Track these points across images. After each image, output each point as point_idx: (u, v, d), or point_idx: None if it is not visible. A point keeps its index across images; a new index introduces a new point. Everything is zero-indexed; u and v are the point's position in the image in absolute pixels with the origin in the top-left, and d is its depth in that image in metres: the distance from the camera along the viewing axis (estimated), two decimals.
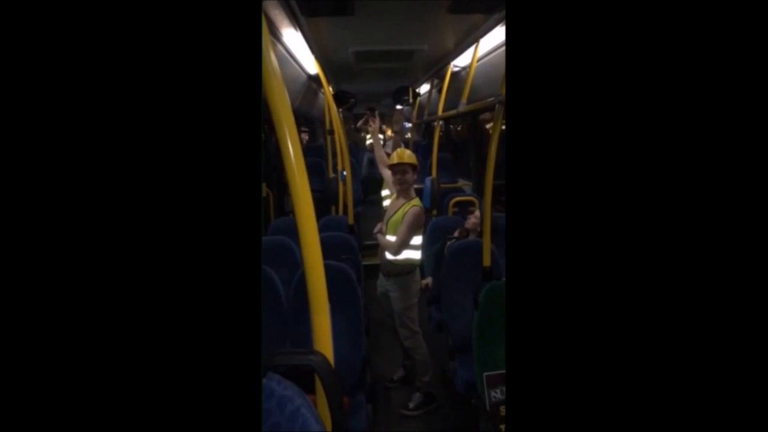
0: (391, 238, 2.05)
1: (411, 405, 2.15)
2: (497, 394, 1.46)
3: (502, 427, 1.44)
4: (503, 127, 1.65)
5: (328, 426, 0.60)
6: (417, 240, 2.07)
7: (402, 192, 2.10)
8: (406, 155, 2.08)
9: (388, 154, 2.40)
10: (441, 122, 4.04)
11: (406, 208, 2.02)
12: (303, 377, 0.63)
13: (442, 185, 3.53)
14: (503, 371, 1.47)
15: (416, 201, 2.06)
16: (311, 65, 2.65)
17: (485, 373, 1.46)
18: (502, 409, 1.45)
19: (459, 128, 5.90)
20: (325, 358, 0.60)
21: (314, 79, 3.08)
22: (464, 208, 3.23)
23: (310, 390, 0.64)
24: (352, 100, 3.80)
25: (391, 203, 2.17)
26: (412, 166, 2.07)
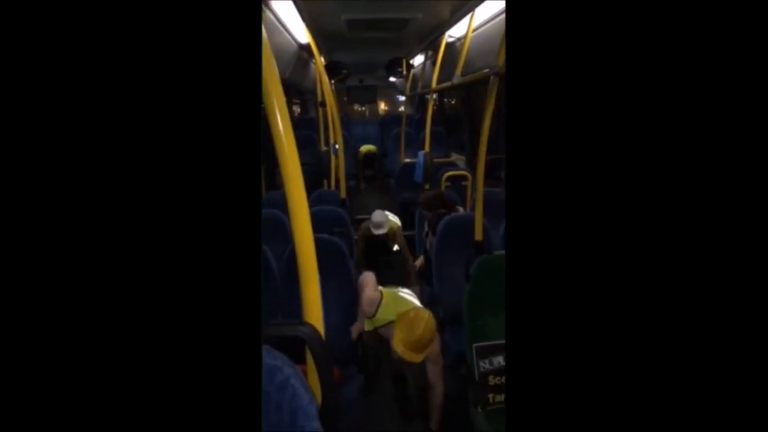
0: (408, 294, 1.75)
1: None
2: (486, 364, 1.50)
3: (491, 396, 1.48)
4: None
5: (319, 396, 0.61)
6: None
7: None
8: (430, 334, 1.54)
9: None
10: (435, 95, 3.98)
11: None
12: (294, 349, 0.63)
13: (435, 159, 3.51)
14: (492, 342, 1.50)
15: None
16: (302, 34, 2.57)
17: (475, 345, 1.49)
18: (491, 378, 1.49)
19: (453, 102, 5.83)
20: (314, 329, 0.60)
21: (305, 48, 3.00)
22: (457, 183, 3.22)
23: (301, 361, 0.64)
24: (345, 71, 3.72)
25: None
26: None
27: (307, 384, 0.55)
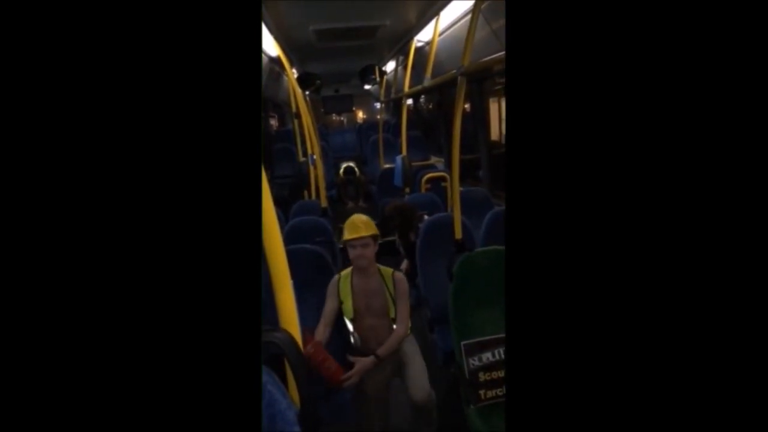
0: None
1: None
2: (475, 361, 1.50)
3: (482, 392, 1.48)
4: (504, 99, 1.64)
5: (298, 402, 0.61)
6: None
7: (365, 268, 1.62)
8: (363, 225, 1.60)
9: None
10: (410, 100, 4.01)
11: (390, 281, 1.63)
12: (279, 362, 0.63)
13: (415, 163, 3.54)
14: (480, 339, 1.51)
15: (387, 268, 1.66)
16: (271, 47, 2.57)
17: (463, 342, 1.50)
18: (481, 375, 1.50)
19: (429, 105, 5.89)
20: (289, 335, 0.60)
21: (276, 61, 3.00)
22: (437, 185, 3.25)
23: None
24: (318, 81, 3.73)
25: (359, 287, 1.63)
26: (374, 237, 1.62)
27: (285, 390, 0.55)
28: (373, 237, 1.61)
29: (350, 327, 1.62)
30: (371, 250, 1.61)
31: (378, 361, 1.55)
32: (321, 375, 1.48)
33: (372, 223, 1.64)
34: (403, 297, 1.63)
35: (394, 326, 1.62)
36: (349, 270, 1.66)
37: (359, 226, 1.60)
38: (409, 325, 1.66)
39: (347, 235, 1.61)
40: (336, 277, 1.67)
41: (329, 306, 1.64)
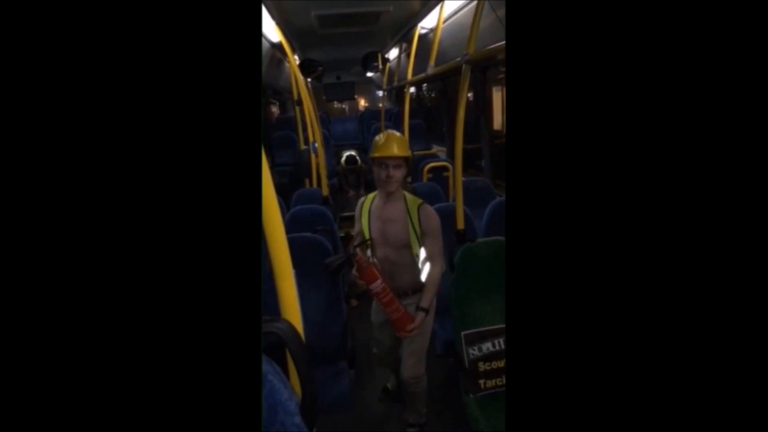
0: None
1: None
2: (475, 351, 1.51)
3: (481, 382, 1.49)
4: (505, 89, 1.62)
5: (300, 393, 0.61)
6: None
7: (391, 193, 1.49)
8: (397, 144, 1.44)
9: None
10: (413, 89, 3.97)
11: (414, 213, 1.49)
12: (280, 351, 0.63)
13: (417, 152, 3.52)
14: (480, 329, 1.52)
15: (416, 198, 1.53)
16: (273, 32, 2.54)
17: (463, 332, 1.51)
18: (481, 365, 1.51)
19: (432, 94, 5.85)
20: (291, 325, 0.59)
21: (278, 47, 2.97)
22: (439, 174, 3.24)
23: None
24: (320, 68, 3.69)
25: (377, 211, 1.53)
26: (406, 160, 1.47)
27: (286, 380, 0.55)
28: (406, 159, 1.47)
29: (369, 251, 1.54)
30: (402, 173, 1.47)
31: (426, 315, 1.48)
32: (387, 313, 1.44)
33: (406, 144, 1.48)
34: (434, 234, 1.49)
35: (422, 265, 1.50)
36: (375, 193, 1.56)
37: (393, 144, 1.44)
38: (443, 264, 1.53)
39: (379, 152, 1.44)
40: (363, 198, 1.59)
41: (356, 229, 1.58)
